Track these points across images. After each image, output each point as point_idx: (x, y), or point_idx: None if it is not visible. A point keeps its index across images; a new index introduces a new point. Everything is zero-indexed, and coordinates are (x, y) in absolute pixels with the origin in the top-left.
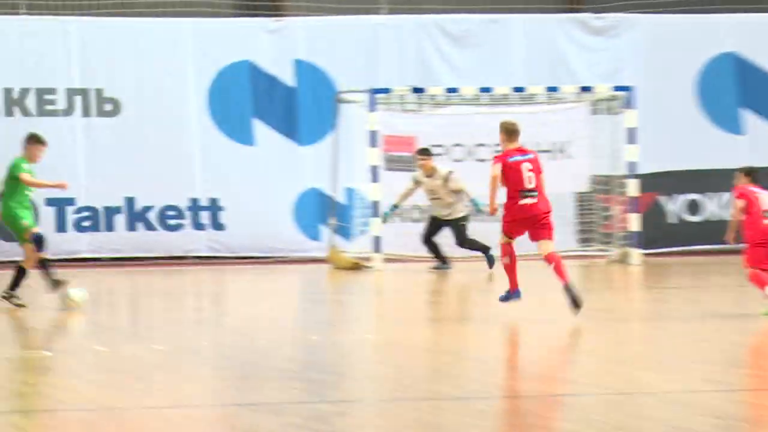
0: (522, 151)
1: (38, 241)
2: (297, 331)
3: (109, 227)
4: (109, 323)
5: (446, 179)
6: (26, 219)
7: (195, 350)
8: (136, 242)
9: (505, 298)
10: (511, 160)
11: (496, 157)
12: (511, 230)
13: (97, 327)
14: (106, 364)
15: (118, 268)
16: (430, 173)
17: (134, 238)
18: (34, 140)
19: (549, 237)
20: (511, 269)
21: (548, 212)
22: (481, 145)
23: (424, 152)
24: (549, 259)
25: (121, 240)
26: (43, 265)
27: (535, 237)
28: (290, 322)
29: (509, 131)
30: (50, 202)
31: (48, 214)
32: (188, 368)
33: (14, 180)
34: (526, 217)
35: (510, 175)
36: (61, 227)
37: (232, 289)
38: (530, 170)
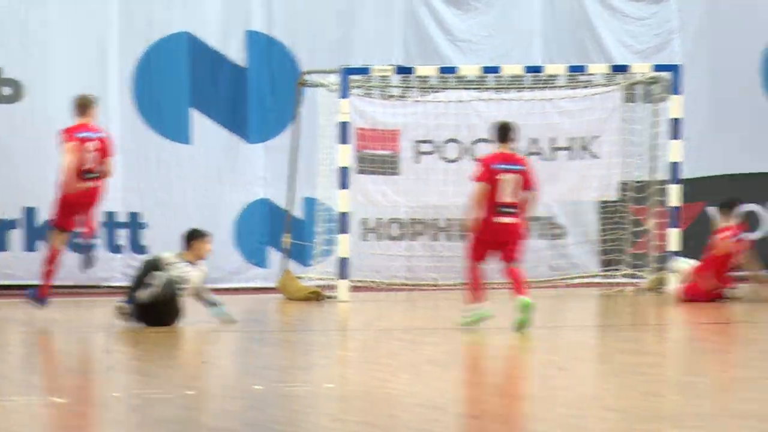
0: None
1: None
2: (236, 379)
3: (1, 246)
4: None
5: None
6: None
7: (102, 404)
8: (35, 265)
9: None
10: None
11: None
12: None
13: None
14: None
15: (11, 298)
16: None
17: (34, 260)
18: None
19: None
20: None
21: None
22: (483, 140)
23: None
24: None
25: (16, 262)
26: None
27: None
28: (228, 368)
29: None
30: None
31: None
32: (93, 428)
33: None
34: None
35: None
36: None
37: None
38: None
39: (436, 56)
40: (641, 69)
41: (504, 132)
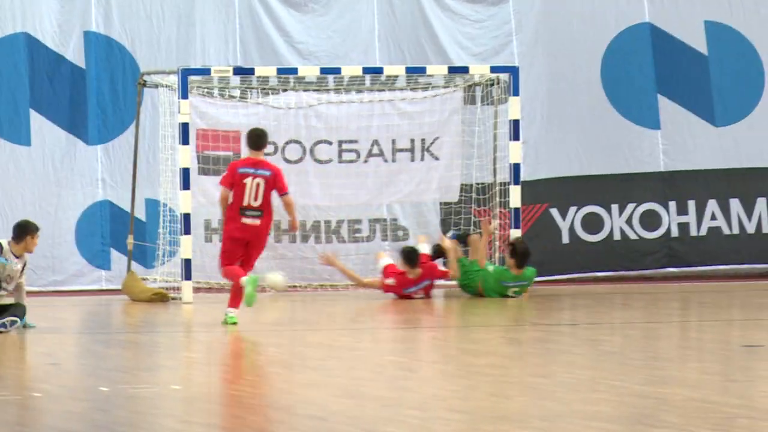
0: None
1: None
2: (81, 381)
3: None
4: None
5: None
6: None
7: None
8: None
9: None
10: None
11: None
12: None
13: None
14: None
15: None
16: None
17: None
18: None
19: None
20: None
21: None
22: (324, 142)
23: None
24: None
25: None
26: None
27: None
28: (74, 370)
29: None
30: None
31: None
32: None
33: None
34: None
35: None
36: None
37: None
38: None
39: (275, 57)
40: (479, 71)
41: (255, 139)
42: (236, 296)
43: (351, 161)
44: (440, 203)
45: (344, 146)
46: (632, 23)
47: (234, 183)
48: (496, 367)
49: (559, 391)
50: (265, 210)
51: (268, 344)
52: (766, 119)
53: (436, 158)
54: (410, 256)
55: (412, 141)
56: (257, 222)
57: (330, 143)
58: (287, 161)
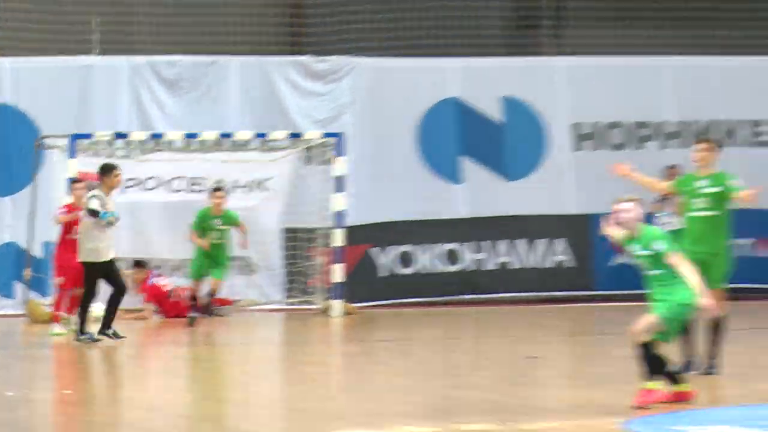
0: None
1: None
2: None
3: None
4: None
5: None
6: None
7: None
8: None
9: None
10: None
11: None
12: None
13: None
14: None
15: None
16: None
17: None
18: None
19: None
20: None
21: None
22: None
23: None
24: None
25: None
26: None
27: None
28: None
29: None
30: None
31: None
32: None
33: None
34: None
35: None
36: None
37: None
38: None
39: (156, 125)
40: (313, 135)
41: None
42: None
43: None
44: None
45: (193, 188)
46: (442, 98)
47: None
48: (326, 374)
49: (379, 394)
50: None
51: (148, 357)
52: (548, 175)
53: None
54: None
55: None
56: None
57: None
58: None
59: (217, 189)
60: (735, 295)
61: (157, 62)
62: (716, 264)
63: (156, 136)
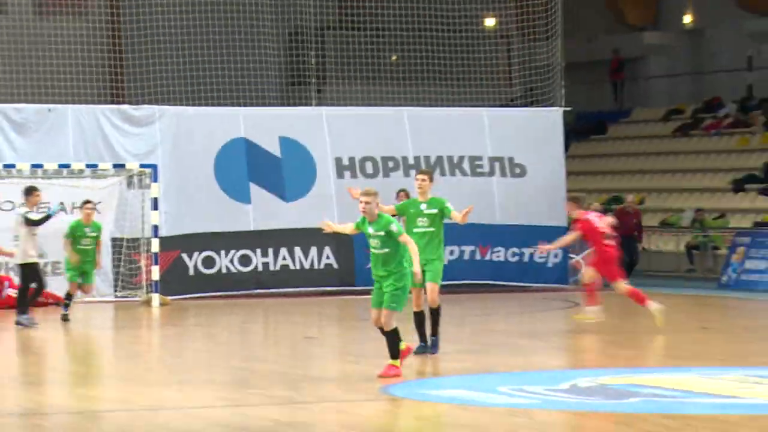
0: None
1: None
2: None
3: None
4: None
5: None
6: None
7: None
8: None
9: None
10: None
11: None
12: None
13: None
14: None
15: None
16: None
17: None
18: None
19: None
20: None
21: None
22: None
23: None
24: None
25: None
26: None
27: None
28: None
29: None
30: None
31: None
32: None
33: None
34: None
35: None
36: None
37: None
38: None
39: (7, 158)
40: (133, 166)
41: None
42: None
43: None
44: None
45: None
46: (233, 137)
47: None
48: (149, 352)
49: (188, 365)
50: None
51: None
52: (317, 196)
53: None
54: None
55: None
56: None
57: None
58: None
59: (87, 202)
60: (462, 289)
61: (6, 109)
62: (432, 267)
63: (8, 166)
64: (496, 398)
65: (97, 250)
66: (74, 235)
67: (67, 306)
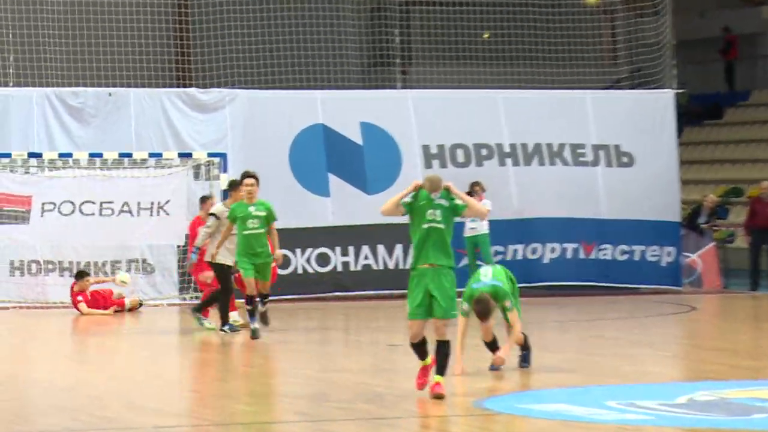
0: None
1: None
2: None
3: None
4: None
5: None
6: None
7: None
8: None
9: None
10: None
11: None
12: None
13: None
14: None
15: None
16: None
17: None
18: None
19: None
20: None
21: None
22: (89, 202)
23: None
24: None
25: None
26: None
27: None
28: None
29: None
30: None
31: None
32: None
33: None
34: None
35: None
36: None
37: None
38: None
39: (63, 147)
40: (200, 156)
41: None
42: None
43: (108, 215)
44: (177, 245)
45: (104, 205)
46: (310, 123)
47: None
48: (219, 360)
49: (263, 376)
50: None
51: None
52: (402, 188)
53: (168, 214)
54: None
55: (152, 203)
56: None
57: (93, 203)
58: (62, 214)
59: (247, 176)
60: (564, 291)
61: (63, 93)
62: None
63: (65, 156)
64: (603, 414)
65: (269, 236)
66: (237, 217)
67: (252, 315)
